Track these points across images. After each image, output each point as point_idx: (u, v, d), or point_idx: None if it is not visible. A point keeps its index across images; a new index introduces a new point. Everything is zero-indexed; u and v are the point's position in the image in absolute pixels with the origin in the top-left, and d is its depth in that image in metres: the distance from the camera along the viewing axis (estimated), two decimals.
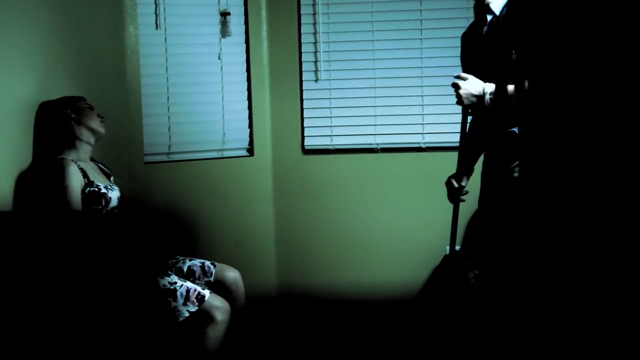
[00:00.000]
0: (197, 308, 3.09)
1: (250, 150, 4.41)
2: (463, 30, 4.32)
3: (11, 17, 3.14)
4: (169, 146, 4.18)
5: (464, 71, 3.18)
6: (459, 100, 3.02)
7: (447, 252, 4.27)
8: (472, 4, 4.29)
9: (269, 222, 4.44)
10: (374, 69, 4.41)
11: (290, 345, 4.15)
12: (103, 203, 3.13)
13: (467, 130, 3.28)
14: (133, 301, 3.06)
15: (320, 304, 4.40)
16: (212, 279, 3.38)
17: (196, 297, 3.10)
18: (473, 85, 3.00)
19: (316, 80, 4.44)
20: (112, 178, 3.35)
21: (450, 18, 4.35)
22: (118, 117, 3.84)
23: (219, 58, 4.30)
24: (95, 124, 3.26)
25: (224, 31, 4.25)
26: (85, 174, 3.13)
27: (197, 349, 3.16)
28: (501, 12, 3.07)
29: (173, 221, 4.15)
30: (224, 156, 4.35)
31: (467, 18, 4.31)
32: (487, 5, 3.11)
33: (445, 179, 4.09)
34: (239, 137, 4.39)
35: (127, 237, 3.31)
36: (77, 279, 3.00)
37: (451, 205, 3.45)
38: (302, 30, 4.43)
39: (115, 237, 3.21)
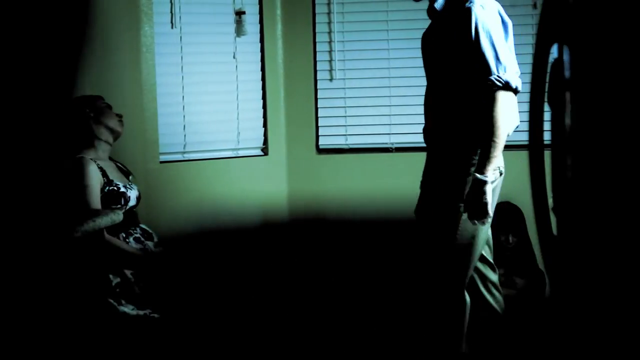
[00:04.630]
0: None
1: (265, 150, 4.41)
2: None
3: (26, 17, 3.14)
4: (184, 145, 4.18)
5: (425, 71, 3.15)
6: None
7: None
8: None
9: (283, 221, 4.43)
10: (388, 68, 4.40)
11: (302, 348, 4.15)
12: (122, 202, 3.13)
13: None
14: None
15: (333, 305, 4.40)
16: None
17: None
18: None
19: (331, 80, 4.44)
20: (130, 177, 3.35)
21: None
22: (133, 116, 3.84)
23: (234, 57, 4.29)
24: (114, 122, 3.26)
25: (239, 30, 4.25)
26: (104, 173, 3.13)
27: None
28: (440, 10, 3.03)
29: (187, 220, 4.15)
30: (238, 155, 4.35)
31: None
32: (433, 5, 3.04)
33: None
34: (253, 136, 4.39)
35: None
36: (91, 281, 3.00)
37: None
38: (317, 30, 4.43)
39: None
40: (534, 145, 1.91)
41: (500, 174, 2.95)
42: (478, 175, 2.84)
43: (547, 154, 1.91)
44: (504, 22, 2.97)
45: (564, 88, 1.79)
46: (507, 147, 4.21)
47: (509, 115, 2.90)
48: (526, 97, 2.02)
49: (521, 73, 4.17)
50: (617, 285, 1.91)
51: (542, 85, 1.88)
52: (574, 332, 2.18)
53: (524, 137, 4.12)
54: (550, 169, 1.90)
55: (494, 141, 2.84)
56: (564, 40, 1.80)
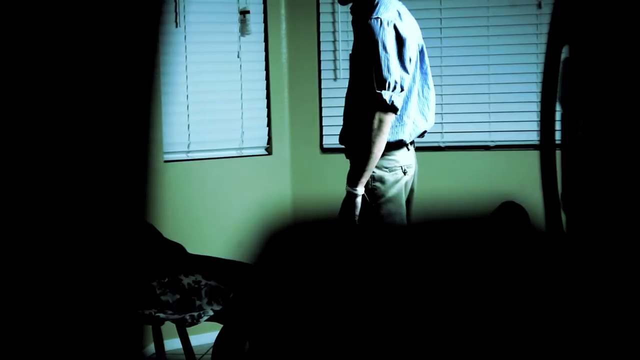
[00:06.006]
0: (221, 307, 3.09)
1: (269, 149, 4.41)
2: (481, 32, 4.34)
3: (27, 16, 3.14)
4: (188, 144, 4.19)
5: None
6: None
7: None
8: (491, 2, 4.31)
9: (287, 220, 4.43)
10: None
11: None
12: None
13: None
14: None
15: (336, 305, 4.40)
16: None
17: (221, 296, 3.11)
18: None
19: (335, 79, 4.43)
20: None
21: (470, 17, 4.33)
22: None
23: (238, 56, 4.29)
24: None
25: (243, 30, 4.25)
26: None
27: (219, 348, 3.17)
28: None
29: (191, 219, 4.15)
30: (242, 155, 4.35)
31: (487, 17, 4.30)
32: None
33: (465, 179, 4.11)
34: (257, 135, 4.39)
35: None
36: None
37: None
38: (321, 29, 4.42)
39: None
40: (545, 145, 1.91)
41: (405, 173, 3.19)
42: (349, 188, 3.09)
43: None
44: (401, 38, 3.03)
45: (575, 88, 1.80)
46: (512, 147, 4.24)
47: (385, 136, 3.05)
48: (536, 97, 2.02)
49: (525, 73, 4.20)
50: (626, 284, 1.91)
51: (554, 85, 1.88)
52: (583, 331, 2.19)
53: (532, 137, 4.15)
54: (561, 168, 1.91)
55: (368, 157, 3.04)
56: (575, 40, 1.81)
